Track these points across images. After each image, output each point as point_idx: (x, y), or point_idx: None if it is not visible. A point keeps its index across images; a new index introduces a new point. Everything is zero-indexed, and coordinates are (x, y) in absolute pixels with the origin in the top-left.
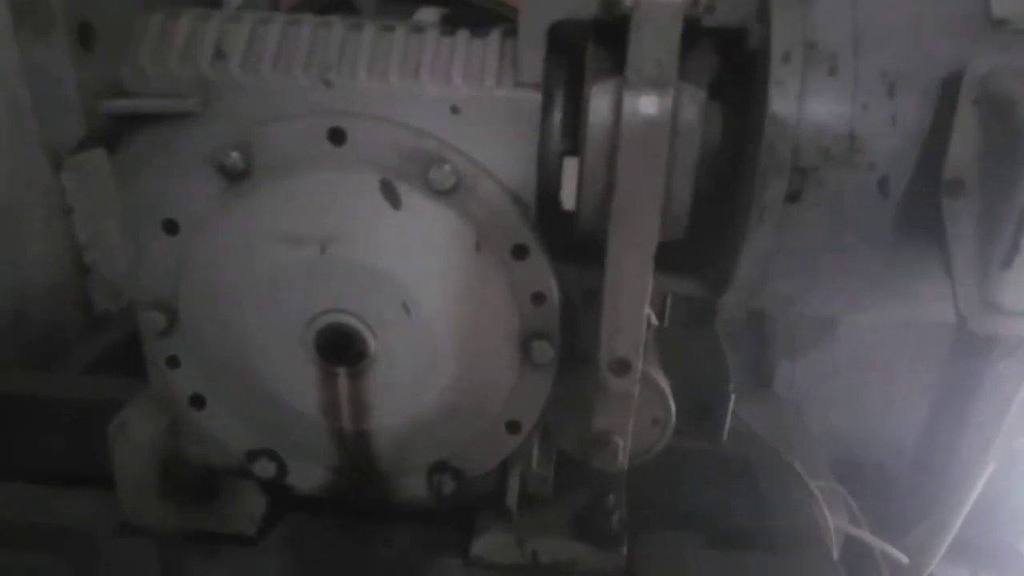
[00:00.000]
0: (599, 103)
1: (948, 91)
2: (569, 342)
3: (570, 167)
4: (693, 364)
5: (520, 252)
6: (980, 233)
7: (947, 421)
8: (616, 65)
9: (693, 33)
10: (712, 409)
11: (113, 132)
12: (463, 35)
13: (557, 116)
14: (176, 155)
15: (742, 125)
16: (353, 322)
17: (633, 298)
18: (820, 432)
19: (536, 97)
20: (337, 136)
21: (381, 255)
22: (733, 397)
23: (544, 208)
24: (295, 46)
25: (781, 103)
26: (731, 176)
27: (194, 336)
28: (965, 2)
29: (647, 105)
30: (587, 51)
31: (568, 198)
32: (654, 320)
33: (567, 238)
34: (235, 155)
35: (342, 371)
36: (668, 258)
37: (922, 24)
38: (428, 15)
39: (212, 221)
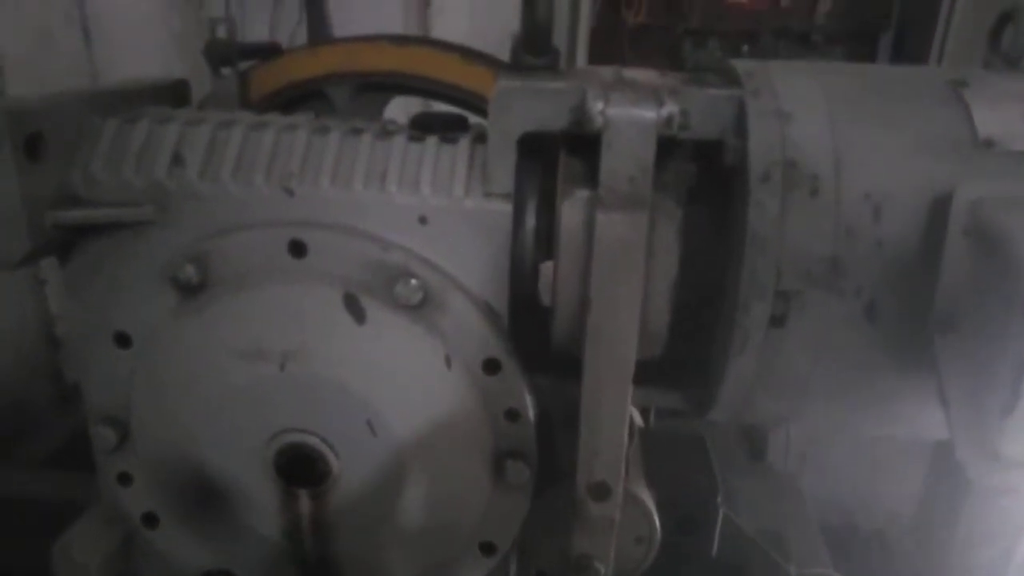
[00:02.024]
0: (571, 218)
1: (936, 215)
2: (547, 458)
3: (547, 270)
4: (680, 474)
5: (492, 367)
6: (976, 373)
7: (945, 487)
8: (590, 172)
9: (670, 143)
10: (700, 522)
11: (63, 241)
12: (432, 141)
13: (530, 223)
14: (129, 265)
15: (724, 233)
16: (315, 441)
17: (612, 420)
18: (817, 499)
19: (507, 208)
20: (298, 248)
21: (344, 372)
22: (722, 511)
23: (518, 317)
24: (257, 152)
25: (761, 224)
26: (714, 287)
27: (147, 453)
28: (950, 121)
29: (621, 226)
30: (559, 160)
31: (546, 296)
32: (639, 420)
33: (543, 348)
34: (190, 268)
35: (304, 492)
36: (649, 370)
37: (906, 144)
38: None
39: (166, 335)
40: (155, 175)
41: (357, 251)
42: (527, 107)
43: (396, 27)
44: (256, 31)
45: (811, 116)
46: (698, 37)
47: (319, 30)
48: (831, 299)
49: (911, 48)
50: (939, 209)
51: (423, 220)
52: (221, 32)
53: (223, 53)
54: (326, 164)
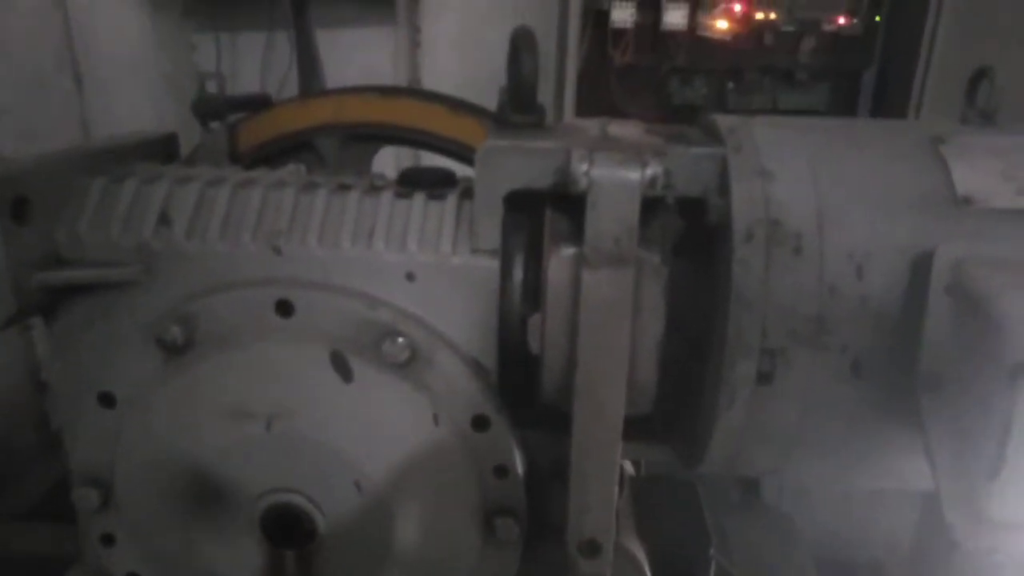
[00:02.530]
0: (558, 275)
1: (918, 273)
2: (538, 514)
3: (536, 322)
4: (671, 524)
5: (480, 423)
6: (962, 433)
7: (942, 516)
8: (576, 229)
9: (655, 200)
10: (693, 575)
11: (49, 302)
12: (419, 198)
13: (518, 277)
14: (115, 325)
15: (710, 288)
16: (301, 501)
17: (601, 477)
18: (814, 526)
19: (494, 264)
20: (285, 308)
21: (331, 431)
22: (715, 563)
23: (506, 373)
24: (244, 211)
25: (745, 283)
26: (701, 342)
27: (130, 514)
28: (929, 179)
29: (606, 285)
30: (545, 216)
31: (535, 345)
32: (630, 469)
33: (532, 402)
34: (175, 329)
35: (289, 553)
36: (639, 425)
37: (887, 202)
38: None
39: (151, 395)
40: (141, 235)
41: (344, 309)
42: (513, 166)
43: (386, 68)
44: (247, 74)
45: (793, 174)
46: (684, 75)
47: (310, 73)
48: (817, 356)
49: (894, 84)
50: (921, 267)
51: (410, 277)
52: (211, 87)
53: (212, 108)
54: (313, 222)
